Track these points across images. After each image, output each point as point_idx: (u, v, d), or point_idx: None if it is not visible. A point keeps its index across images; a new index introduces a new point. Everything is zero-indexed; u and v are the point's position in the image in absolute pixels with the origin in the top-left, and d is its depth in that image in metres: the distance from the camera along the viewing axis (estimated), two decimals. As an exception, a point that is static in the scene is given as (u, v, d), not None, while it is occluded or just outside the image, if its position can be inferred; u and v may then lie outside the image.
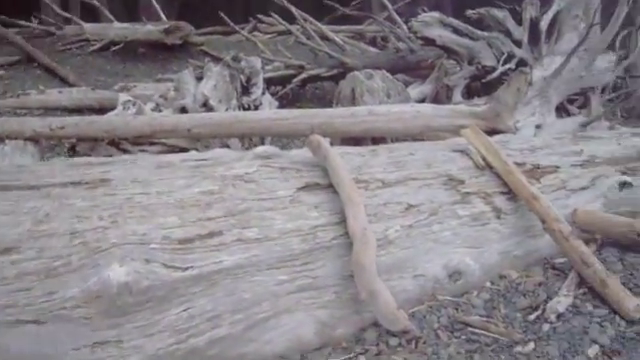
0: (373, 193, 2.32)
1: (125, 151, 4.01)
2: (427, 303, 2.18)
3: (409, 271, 2.18)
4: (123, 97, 4.74)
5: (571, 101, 5.88)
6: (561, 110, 5.40)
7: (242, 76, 5.16)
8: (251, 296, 1.83)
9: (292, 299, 1.91)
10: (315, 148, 2.37)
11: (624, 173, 3.04)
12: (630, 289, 2.27)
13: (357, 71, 4.73)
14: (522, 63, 5.65)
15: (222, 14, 9.17)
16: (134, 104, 4.41)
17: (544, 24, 6.08)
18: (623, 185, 2.89)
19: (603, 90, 6.01)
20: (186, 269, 1.73)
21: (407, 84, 5.96)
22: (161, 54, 9.74)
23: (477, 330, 2.03)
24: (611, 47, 5.91)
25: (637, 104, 6.71)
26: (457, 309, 2.17)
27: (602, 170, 3.02)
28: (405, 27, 7.58)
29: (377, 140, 3.88)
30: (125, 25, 9.61)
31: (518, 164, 2.77)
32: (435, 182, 2.52)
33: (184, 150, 4.04)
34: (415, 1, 11.61)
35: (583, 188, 2.88)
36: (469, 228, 2.41)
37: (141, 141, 3.97)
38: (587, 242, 2.55)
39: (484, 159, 2.72)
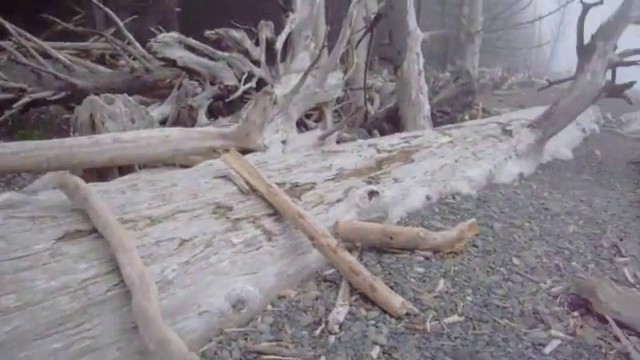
0: (143, 232, 2.17)
1: None
2: (216, 339, 2.12)
3: (193, 309, 2.08)
4: None
5: (308, 116, 6.32)
6: (300, 125, 5.77)
7: (-51, 104, 4.44)
8: (20, 376, 1.55)
9: (70, 368, 1.67)
10: (72, 190, 2.12)
11: (369, 182, 3.36)
12: (392, 287, 2.53)
13: (92, 94, 4.38)
14: (262, 82, 5.90)
15: None
16: None
17: (279, 44, 6.45)
18: (371, 194, 3.18)
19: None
20: None
21: (145, 105, 5.74)
22: None
23: (270, 357, 2.03)
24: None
25: (358, 114, 7.47)
26: (246, 339, 2.15)
27: (351, 182, 3.29)
28: (138, 44, 7.30)
29: (124, 169, 3.67)
30: None
31: (279, 184, 2.87)
32: (204, 212, 2.46)
33: None
34: (142, 17, 11.29)
35: (338, 200, 3.10)
36: (244, 255, 2.40)
37: None
38: (350, 250, 2.77)
39: (247, 183, 2.75)
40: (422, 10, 6.89)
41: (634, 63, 5.89)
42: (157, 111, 5.98)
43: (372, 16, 7.14)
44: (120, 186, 2.52)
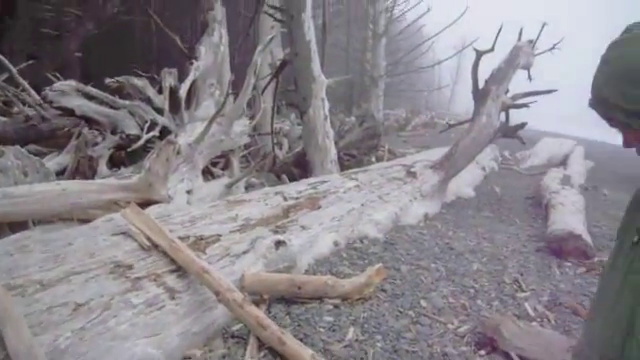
0: (33, 298, 2.01)
1: None
2: (113, 411, 1.97)
3: (89, 381, 1.93)
4: None
5: (214, 164, 6.23)
6: (207, 173, 5.66)
7: None
8: None
9: None
10: (-51, 258, 1.95)
11: (276, 232, 3.32)
12: (301, 340, 2.49)
13: (-20, 145, 4.12)
14: (166, 130, 5.77)
15: None
16: None
17: (183, 92, 6.36)
18: (278, 244, 3.14)
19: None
20: None
21: (41, 155, 5.46)
22: None
23: None
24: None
25: (266, 160, 7.48)
26: (147, 408, 2.02)
27: (258, 232, 3.24)
28: (33, 91, 6.96)
29: (16, 225, 3.44)
30: None
31: (182, 238, 2.78)
32: (102, 272, 2.33)
33: None
34: (39, 62, 10.82)
35: (245, 252, 3.04)
36: (146, 316, 2.28)
37: None
38: (257, 303, 2.70)
39: (149, 239, 2.64)
40: (326, 56, 7.04)
41: (524, 105, 6.28)
42: (54, 162, 5.68)
43: (277, 62, 7.23)
44: (7, 248, 2.35)
